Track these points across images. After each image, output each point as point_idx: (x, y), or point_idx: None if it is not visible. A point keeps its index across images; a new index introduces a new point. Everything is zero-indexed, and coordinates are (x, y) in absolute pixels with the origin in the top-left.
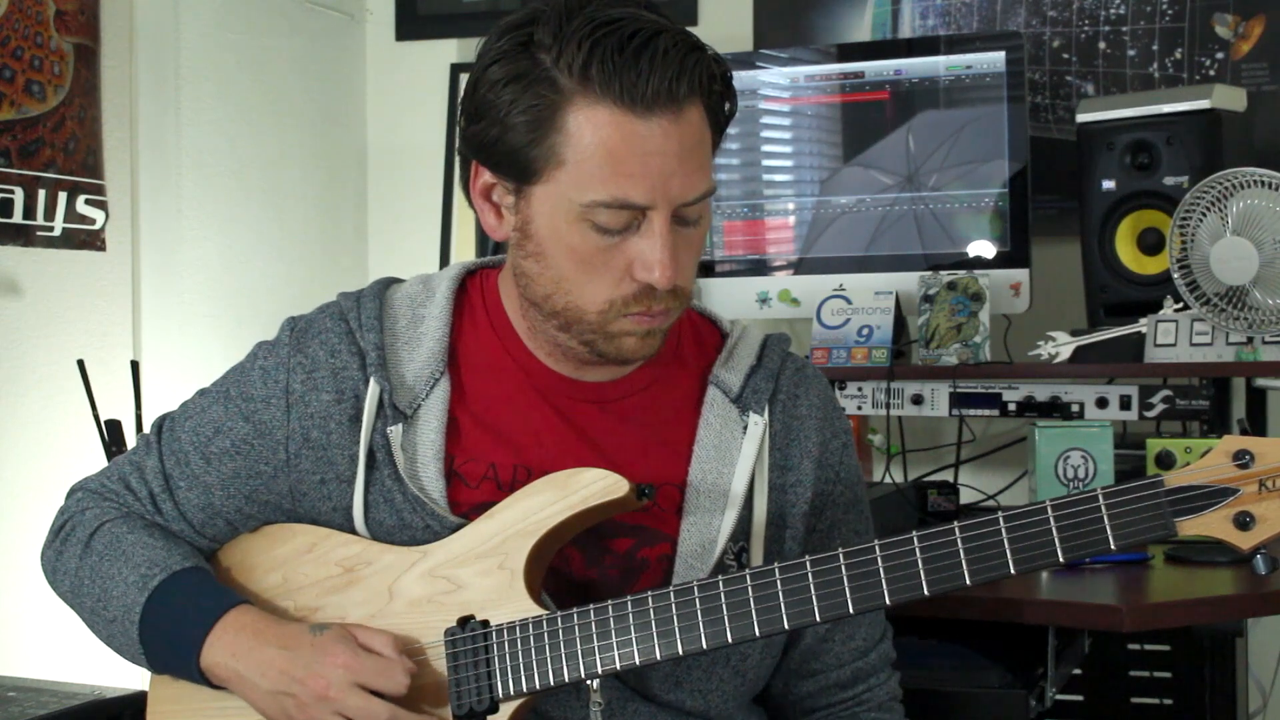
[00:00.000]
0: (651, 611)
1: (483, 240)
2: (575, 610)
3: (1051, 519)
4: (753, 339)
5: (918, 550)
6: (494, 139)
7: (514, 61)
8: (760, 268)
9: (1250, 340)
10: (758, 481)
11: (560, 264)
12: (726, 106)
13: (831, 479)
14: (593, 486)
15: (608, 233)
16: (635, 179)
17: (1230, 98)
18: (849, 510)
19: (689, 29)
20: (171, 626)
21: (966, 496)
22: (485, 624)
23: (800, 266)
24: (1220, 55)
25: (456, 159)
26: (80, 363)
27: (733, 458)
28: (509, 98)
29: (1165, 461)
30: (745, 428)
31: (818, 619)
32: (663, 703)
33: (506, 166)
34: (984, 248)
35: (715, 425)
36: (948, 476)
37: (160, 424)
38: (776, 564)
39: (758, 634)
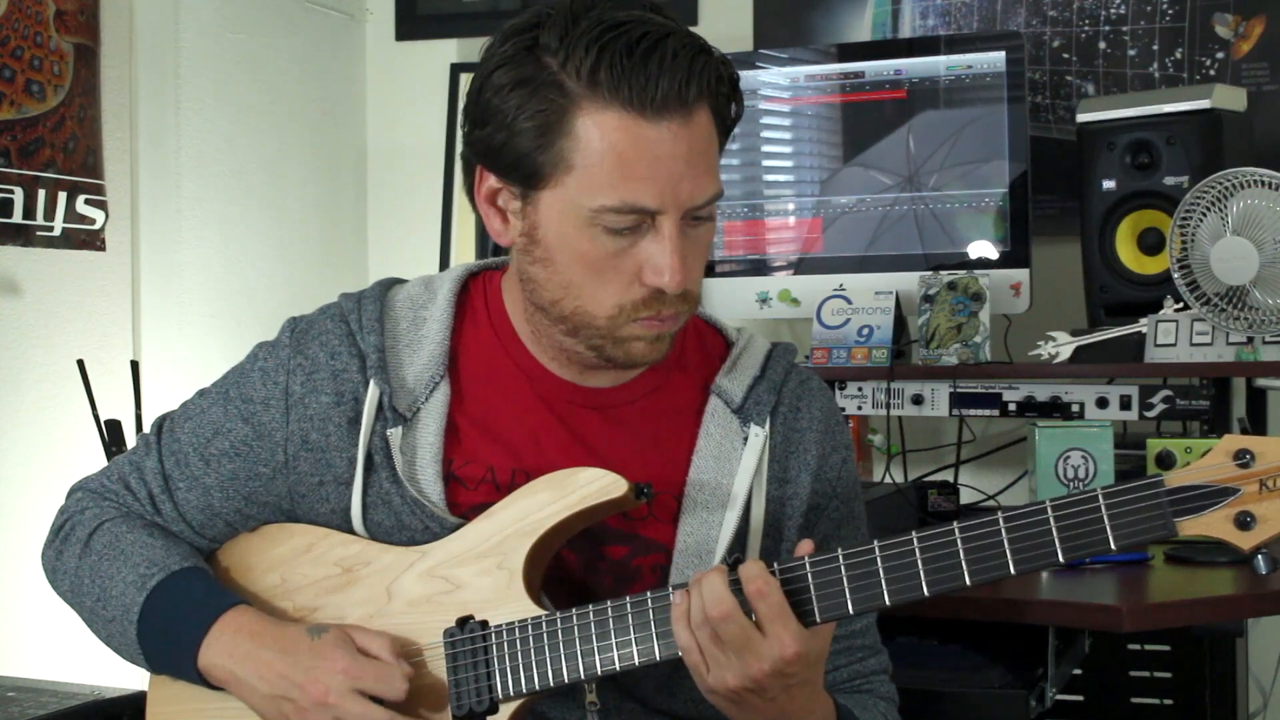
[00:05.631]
0: (651, 612)
1: (483, 241)
2: (575, 610)
3: (1051, 519)
4: (758, 349)
5: (917, 551)
6: (500, 144)
7: (520, 66)
8: (760, 268)
9: (1250, 340)
10: (755, 492)
11: (568, 269)
12: (733, 109)
13: (827, 493)
14: (591, 486)
15: (617, 237)
16: (645, 183)
17: (1230, 98)
18: (842, 525)
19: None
20: (169, 626)
21: (966, 496)
22: (484, 624)
23: (800, 266)
24: (1220, 55)
25: (458, 160)
26: (80, 363)
27: (732, 468)
28: (515, 103)
29: (1165, 461)
30: (746, 439)
31: (818, 620)
32: (657, 709)
33: (513, 171)
34: (984, 248)
35: (715, 435)
36: (948, 476)
37: (160, 424)
38: (776, 564)
39: None
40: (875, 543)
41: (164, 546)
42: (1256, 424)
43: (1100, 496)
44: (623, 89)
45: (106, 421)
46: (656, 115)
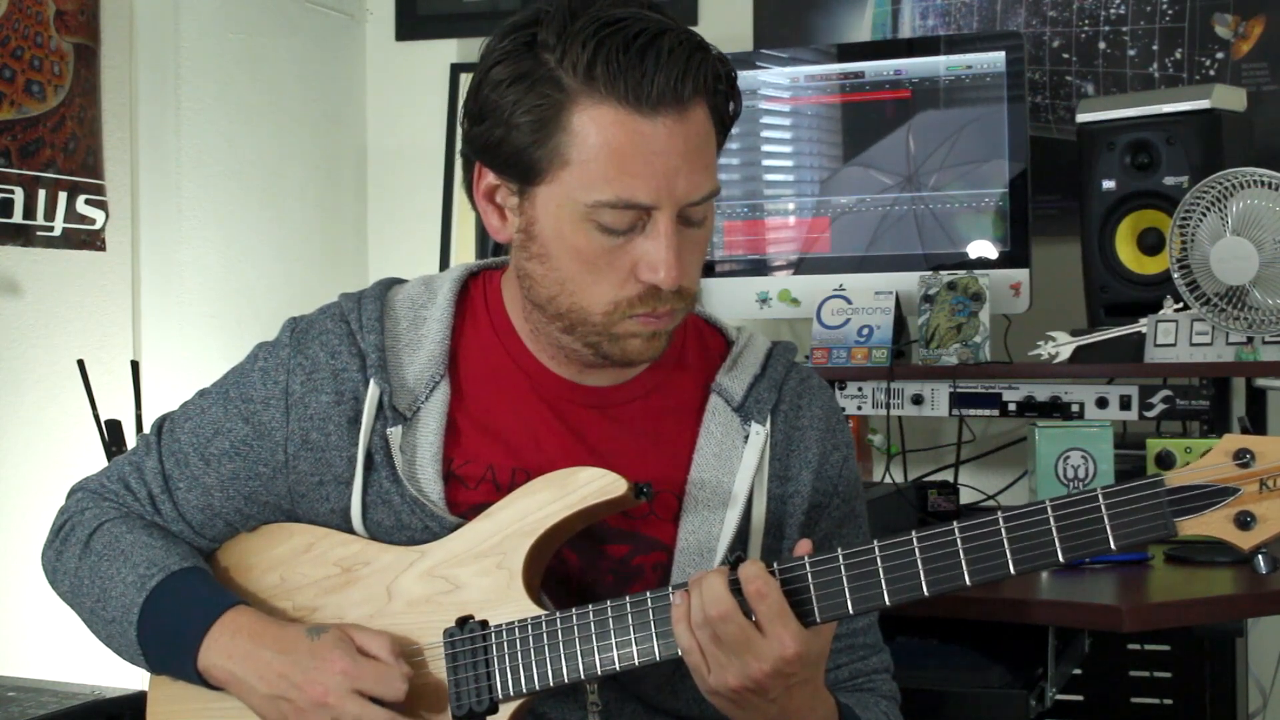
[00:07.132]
0: (650, 612)
1: (483, 240)
2: (574, 610)
3: (1051, 519)
4: (758, 348)
5: (917, 550)
6: (498, 140)
7: (518, 62)
8: (760, 268)
9: (1250, 340)
10: (757, 490)
11: (565, 265)
12: (731, 107)
13: (828, 491)
14: (590, 485)
15: (612, 233)
16: (640, 178)
17: (1230, 98)
18: (843, 524)
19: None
20: (169, 627)
21: (966, 496)
22: (484, 624)
23: (800, 266)
24: (1220, 55)
25: (457, 160)
26: (80, 363)
27: (733, 466)
28: (513, 98)
29: (1165, 461)
30: (746, 437)
31: (818, 619)
32: (659, 709)
33: (510, 167)
34: (984, 248)
35: (716, 433)
36: (948, 476)
37: (160, 424)
38: (775, 564)
39: None
40: (875, 542)
41: (164, 547)
42: (1256, 424)
43: (1100, 496)
44: (618, 84)
45: (106, 421)
46: (652, 111)
